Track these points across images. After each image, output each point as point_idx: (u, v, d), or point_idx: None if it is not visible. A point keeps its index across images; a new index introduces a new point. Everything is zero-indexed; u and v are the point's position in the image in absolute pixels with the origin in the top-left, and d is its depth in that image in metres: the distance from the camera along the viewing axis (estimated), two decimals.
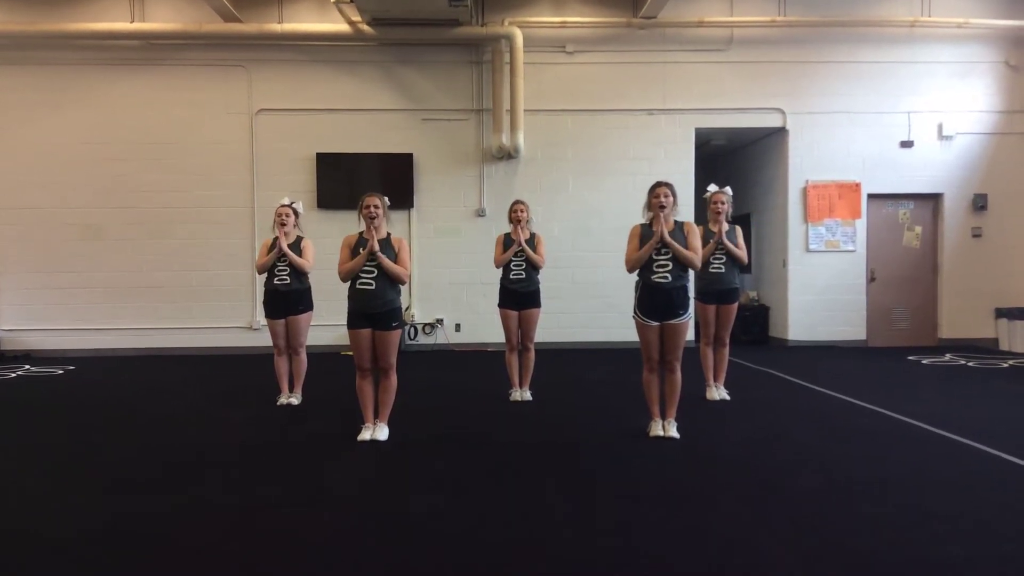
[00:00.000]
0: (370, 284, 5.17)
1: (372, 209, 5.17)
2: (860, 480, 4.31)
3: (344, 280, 5.26)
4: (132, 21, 10.51)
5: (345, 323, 5.27)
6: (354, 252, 5.21)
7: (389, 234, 5.31)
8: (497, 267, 6.78)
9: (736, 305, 6.82)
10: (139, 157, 10.70)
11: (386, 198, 5.32)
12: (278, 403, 6.69)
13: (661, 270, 5.13)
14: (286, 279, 6.57)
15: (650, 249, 5.12)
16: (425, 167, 10.89)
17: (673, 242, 5.09)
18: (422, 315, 11.01)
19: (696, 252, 5.19)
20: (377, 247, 5.12)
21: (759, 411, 6.38)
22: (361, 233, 5.25)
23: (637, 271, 5.25)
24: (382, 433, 5.32)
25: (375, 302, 5.17)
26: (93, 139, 10.68)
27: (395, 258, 5.23)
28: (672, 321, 5.18)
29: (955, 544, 3.34)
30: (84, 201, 10.68)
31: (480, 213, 10.95)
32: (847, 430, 5.62)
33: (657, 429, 5.33)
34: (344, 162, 10.72)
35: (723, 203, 6.62)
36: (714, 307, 6.71)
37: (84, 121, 10.68)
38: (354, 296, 5.21)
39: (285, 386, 6.78)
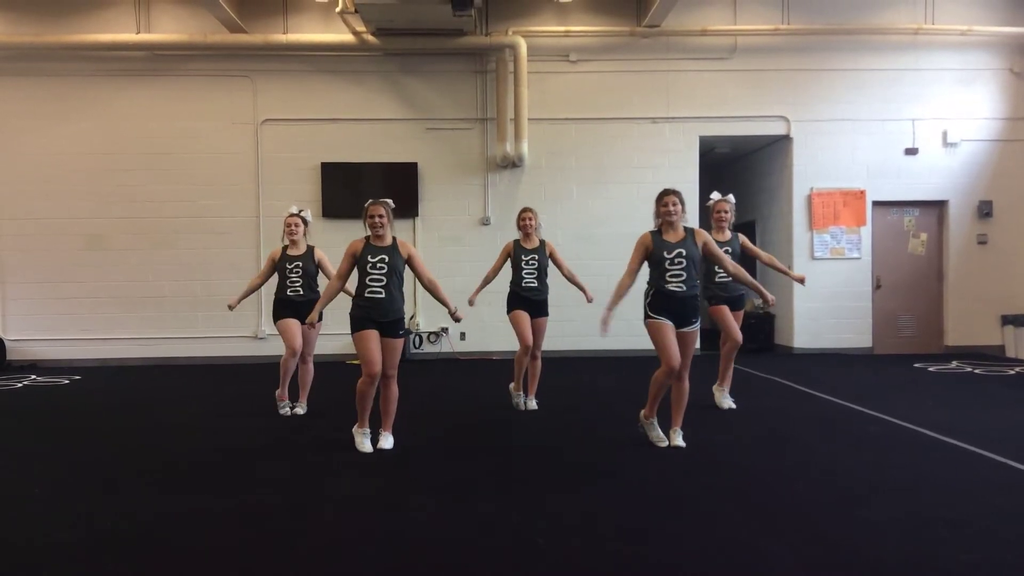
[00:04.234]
0: (380, 293, 5.16)
1: (376, 219, 5.17)
2: (866, 486, 4.29)
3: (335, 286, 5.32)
4: (138, 32, 10.58)
5: (349, 332, 5.26)
6: (359, 261, 5.19)
7: (395, 238, 5.29)
8: (488, 279, 6.85)
9: (742, 312, 6.81)
10: (144, 167, 10.74)
11: (391, 202, 5.31)
12: (280, 411, 6.64)
13: (675, 279, 5.10)
14: (299, 289, 6.58)
15: (618, 301, 5.20)
16: (429, 176, 10.91)
17: (749, 278, 5.42)
18: (427, 324, 11.01)
19: (722, 260, 5.31)
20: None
21: (765, 418, 6.36)
22: (367, 239, 5.23)
23: (649, 277, 5.24)
24: (387, 442, 5.32)
25: (386, 311, 5.17)
26: (98, 149, 10.73)
27: (404, 264, 5.22)
28: (684, 329, 5.16)
29: (961, 550, 3.33)
30: (89, 211, 10.72)
31: (485, 222, 10.96)
32: (853, 437, 5.61)
33: (658, 434, 5.31)
34: (349, 171, 10.75)
35: (726, 211, 6.62)
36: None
37: (89, 132, 10.73)
38: (364, 304, 5.18)
39: (286, 384, 6.65)
